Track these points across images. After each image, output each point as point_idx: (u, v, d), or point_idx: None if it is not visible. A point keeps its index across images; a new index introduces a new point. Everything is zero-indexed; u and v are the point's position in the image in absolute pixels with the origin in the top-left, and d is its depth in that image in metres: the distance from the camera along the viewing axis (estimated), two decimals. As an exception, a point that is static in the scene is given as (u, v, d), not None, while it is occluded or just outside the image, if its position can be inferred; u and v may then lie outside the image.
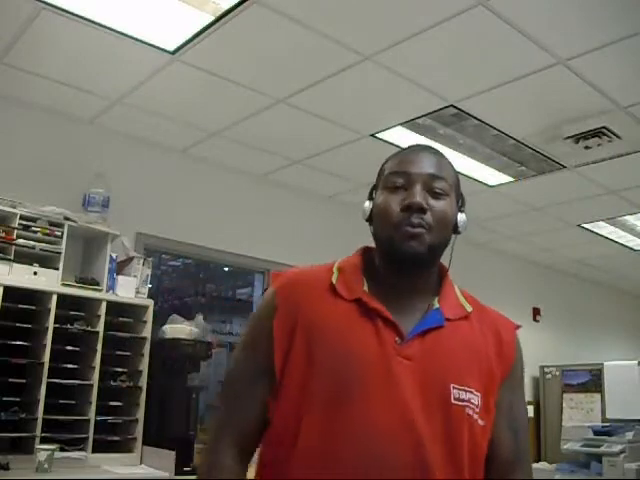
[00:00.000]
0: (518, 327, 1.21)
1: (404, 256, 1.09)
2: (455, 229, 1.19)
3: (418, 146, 1.21)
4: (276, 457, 1.06)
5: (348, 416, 1.01)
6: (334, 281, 1.12)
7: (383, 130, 3.68)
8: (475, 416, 1.05)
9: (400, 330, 1.06)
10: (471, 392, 1.05)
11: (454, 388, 1.04)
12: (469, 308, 1.16)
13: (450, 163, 1.19)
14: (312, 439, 1.01)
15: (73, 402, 2.96)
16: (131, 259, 3.43)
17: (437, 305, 1.12)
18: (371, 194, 1.20)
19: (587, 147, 3.71)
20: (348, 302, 1.09)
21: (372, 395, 1.02)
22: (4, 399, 2.74)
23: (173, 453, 2.97)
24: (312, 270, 1.19)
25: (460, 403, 1.04)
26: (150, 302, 3.35)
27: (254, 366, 1.11)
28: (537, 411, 6.23)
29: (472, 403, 1.05)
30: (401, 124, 3.59)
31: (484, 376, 1.09)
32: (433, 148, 1.20)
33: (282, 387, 1.07)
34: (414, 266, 1.12)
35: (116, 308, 3.19)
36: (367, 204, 1.19)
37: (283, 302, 1.11)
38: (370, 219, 1.18)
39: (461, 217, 1.19)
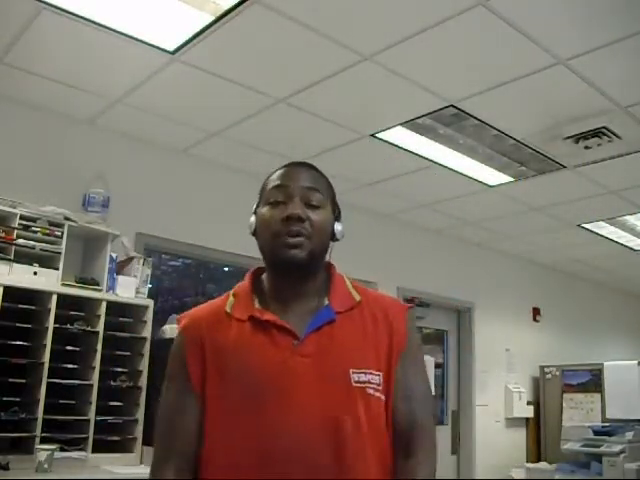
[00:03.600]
0: (409, 307, 1.33)
1: (286, 263, 1.21)
2: (332, 237, 1.29)
3: (294, 163, 1.33)
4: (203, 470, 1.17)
5: (259, 422, 1.12)
6: (228, 309, 1.25)
7: (383, 130, 3.68)
8: (377, 394, 1.18)
9: (295, 333, 1.18)
10: (371, 373, 1.18)
11: (353, 372, 1.16)
12: (358, 297, 1.27)
13: (324, 176, 1.33)
14: (221, 454, 1.14)
15: (73, 402, 2.96)
16: (131, 259, 3.43)
17: (326, 302, 1.24)
18: (255, 210, 1.31)
19: (587, 147, 3.71)
20: (243, 322, 1.22)
21: (278, 399, 1.13)
22: (4, 399, 2.74)
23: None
24: (210, 304, 1.32)
25: (361, 385, 1.16)
26: (150, 302, 3.35)
27: (178, 396, 1.23)
28: (537, 411, 6.23)
29: (372, 382, 1.17)
30: (401, 124, 3.59)
31: (382, 356, 1.21)
32: (308, 163, 1.33)
33: (205, 410, 1.19)
34: (297, 272, 1.23)
35: (116, 308, 3.19)
36: (252, 219, 1.31)
37: (190, 338, 1.25)
38: (255, 233, 1.30)
39: (337, 226, 1.30)
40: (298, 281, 1.25)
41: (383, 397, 1.19)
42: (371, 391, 1.17)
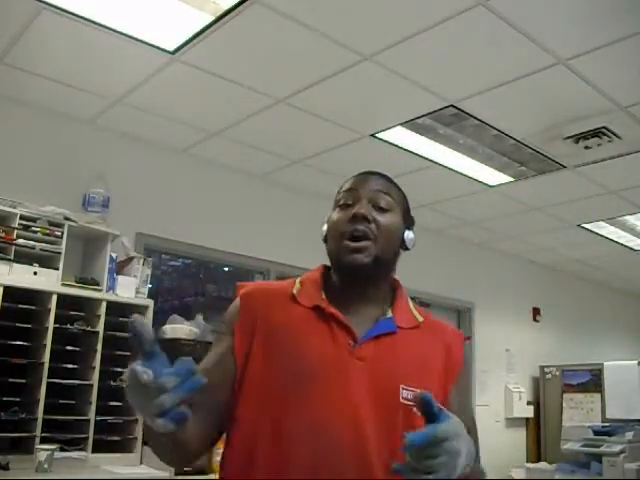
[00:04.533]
0: (467, 339, 1.32)
1: (350, 267, 1.19)
2: (402, 244, 1.27)
3: (367, 171, 1.32)
4: (239, 456, 1.12)
5: (302, 413, 1.09)
6: (294, 291, 1.23)
7: (383, 130, 3.68)
8: None
9: (354, 334, 1.16)
10: None
11: (403, 389, 1.13)
12: (420, 318, 1.26)
13: (397, 185, 1.31)
14: (268, 436, 1.09)
15: (73, 402, 2.96)
16: (131, 259, 3.43)
17: (390, 314, 1.22)
18: (329, 218, 1.29)
19: (587, 147, 3.72)
20: (307, 309, 1.20)
21: (325, 392, 1.10)
22: (4, 399, 2.74)
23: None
24: (276, 283, 1.33)
25: (408, 402, 1.11)
26: (150, 302, 3.35)
27: (218, 353, 1.21)
28: (537, 411, 6.23)
29: None
30: (401, 124, 3.59)
31: (433, 381, 1.18)
32: (381, 172, 1.31)
33: (242, 388, 1.15)
34: (361, 276, 1.21)
35: (116, 308, 3.19)
36: (325, 227, 1.29)
37: (245, 307, 1.22)
38: (326, 239, 1.28)
39: (408, 234, 1.28)
40: (362, 286, 1.23)
41: None
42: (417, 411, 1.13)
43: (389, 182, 1.30)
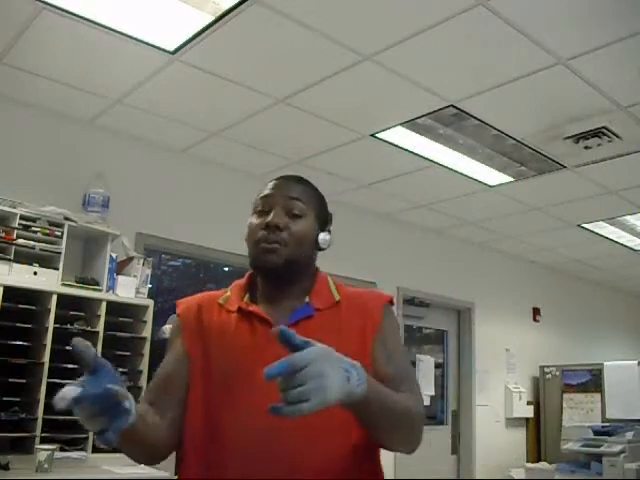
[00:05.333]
0: (389, 300, 1.35)
1: (263, 268, 1.30)
2: (316, 245, 1.34)
3: (284, 175, 1.41)
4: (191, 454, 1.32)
5: (231, 406, 1.20)
6: (221, 301, 1.35)
7: (383, 130, 3.68)
8: None
9: (272, 324, 1.23)
10: None
11: None
12: (337, 297, 1.33)
13: (313, 188, 1.39)
14: (207, 434, 1.23)
15: (73, 402, 2.96)
16: (131, 259, 3.43)
17: (307, 300, 1.31)
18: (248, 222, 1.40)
19: (587, 147, 3.72)
20: (232, 312, 1.31)
21: (248, 383, 1.19)
22: (4, 399, 2.74)
23: (173, 453, 2.96)
24: (207, 294, 1.42)
25: None
26: (150, 302, 3.35)
27: (174, 357, 1.31)
28: (537, 411, 6.24)
29: None
30: (401, 124, 3.59)
31: (351, 348, 1.19)
32: (298, 176, 1.40)
33: (189, 390, 1.27)
34: (274, 276, 1.30)
35: (116, 308, 3.19)
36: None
37: (186, 322, 1.34)
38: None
39: (322, 235, 1.35)
40: (279, 284, 1.31)
41: None
42: None
43: (304, 187, 1.37)
